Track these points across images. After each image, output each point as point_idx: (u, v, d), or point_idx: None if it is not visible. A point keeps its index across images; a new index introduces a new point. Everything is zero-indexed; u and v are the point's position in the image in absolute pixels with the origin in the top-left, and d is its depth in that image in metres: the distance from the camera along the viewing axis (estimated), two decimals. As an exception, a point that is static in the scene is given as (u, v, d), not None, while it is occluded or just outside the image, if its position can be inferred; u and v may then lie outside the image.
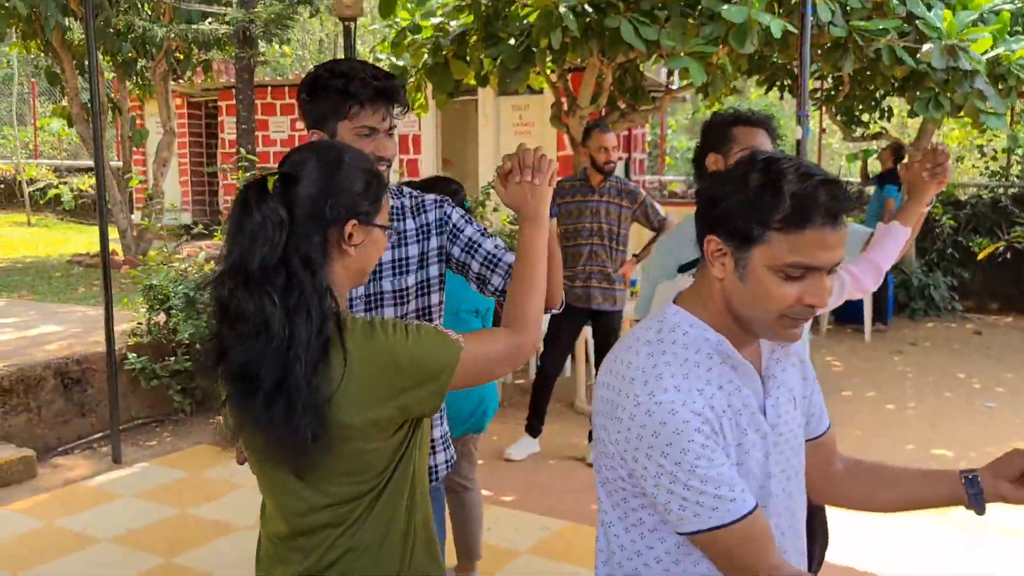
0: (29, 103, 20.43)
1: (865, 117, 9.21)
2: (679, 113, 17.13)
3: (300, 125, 13.26)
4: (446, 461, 2.17)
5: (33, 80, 18.90)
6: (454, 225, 2.01)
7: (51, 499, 4.29)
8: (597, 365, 4.90)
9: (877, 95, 8.48)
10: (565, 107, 6.79)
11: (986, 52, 5.80)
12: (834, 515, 2.64)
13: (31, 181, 16.24)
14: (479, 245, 1.98)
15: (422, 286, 2.01)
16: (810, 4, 4.50)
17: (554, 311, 1.90)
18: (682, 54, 5.35)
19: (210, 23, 7.95)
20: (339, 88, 1.85)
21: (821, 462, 1.57)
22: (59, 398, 4.95)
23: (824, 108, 9.03)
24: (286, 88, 12.36)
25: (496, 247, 1.98)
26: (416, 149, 11.32)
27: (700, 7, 5.52)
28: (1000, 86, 6.24)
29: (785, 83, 8.45)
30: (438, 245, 2.01)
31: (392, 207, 1.96)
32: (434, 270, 2.02)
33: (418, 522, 1.53)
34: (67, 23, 8.56)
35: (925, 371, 6.79)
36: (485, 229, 2.04)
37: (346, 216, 1.44)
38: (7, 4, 7.98)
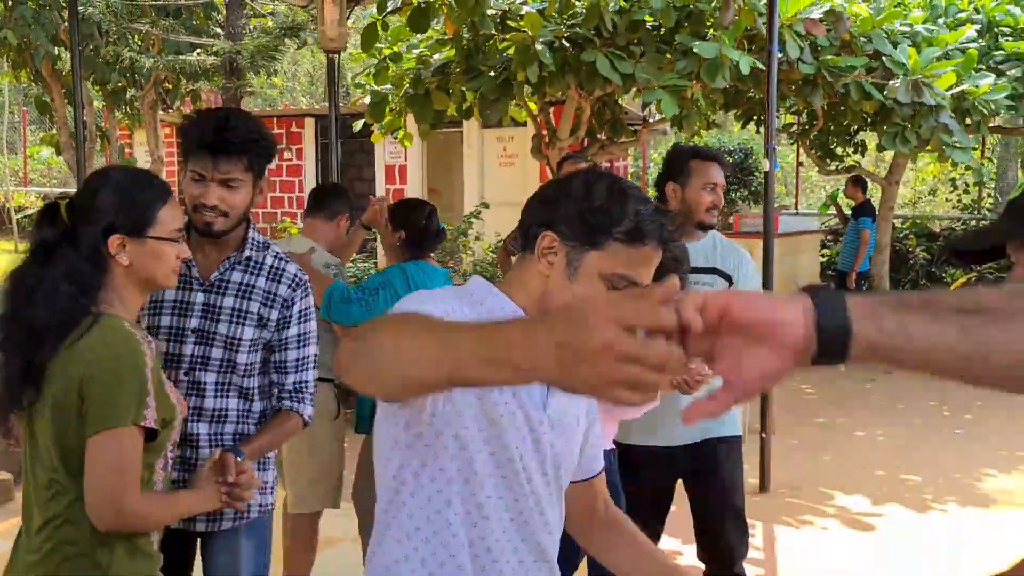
0: (18, 131, 20.55)
1: (839, 151, 9.42)
2: (661, 146, 17.37)
3: (288, 154, 13.41)
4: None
5: (24, 109, 19.03)
6: (290, 315, 2.12)
7: (29, 520, 4.33)
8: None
9: (851, 129, 8.71)
10: (546, 139, 6.96)
11: (951, 88, 6.01)
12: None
13: (19, 208, 16.32)
14: (286, 349, 2.13)
15: (255, 343, 2.10)
16: (777, 42, 4.68)
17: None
18: (656, 87, 5.53)
19: (198, 54, 8.11)
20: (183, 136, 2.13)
21: (589, 500, 1.58)
22: (40, 421, 5.00)
23: (800, 142, 9.24)
24: (274, 118, 12.53)
25: (297, 360, 2.13)
26: (403, 179, 11.48)
27: (675, 43, 5.70)
28: (968, 121, 6.46)
29: (761, 117, 8.65)
30: (270, 317, 2.11)
31: (249, 257, 2.11)
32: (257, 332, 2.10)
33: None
34: (56, 52, 8.70)
35: (896, 399, 6.90)
36: (307, 336, 2.16)
37: (107, 231, 1.69)
38: (-2, 35, 8.13)
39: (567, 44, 5.73)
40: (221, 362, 2.06)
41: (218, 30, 8.63)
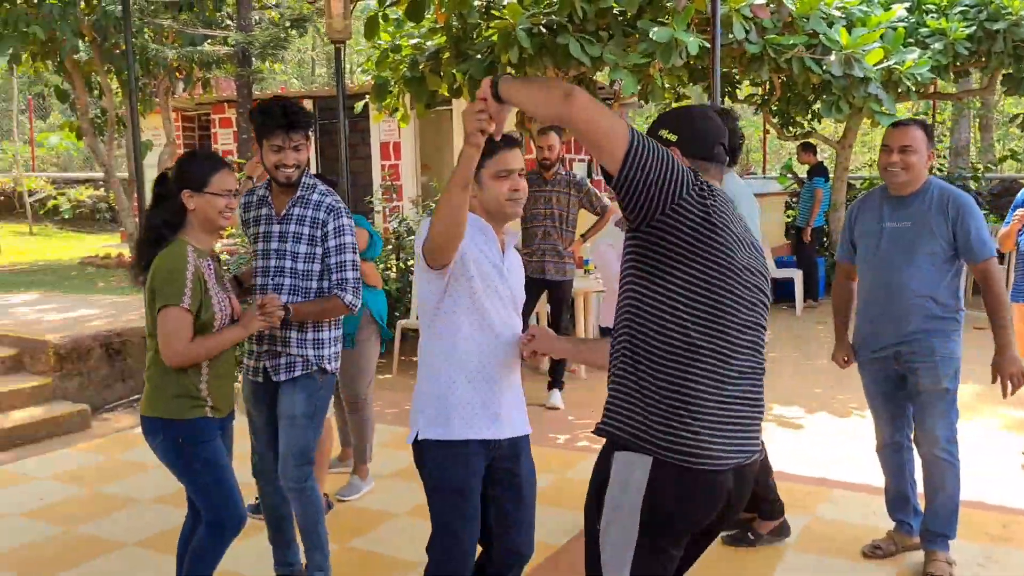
0: (16, 119, 21.19)
1: (799, 118, 10.31)
2: (640, 117, 18.19)
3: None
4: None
5: (30, 97, 19.67)
6: (327, 232, 3.05)
7: (108, 441, 5.25)
8: (551, 325, 5.90)
9: (808, 99, 9.58)
10: (528, 113, 7.79)
11: (879, 62, 6.88)
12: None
13: (31, 193, 17.07)
14: (328, 256, 3.06)
15: (308, 256, 3.04)
16: (720, 26, 5.53)
17: None
18: (620, 68, 6.38)
19: (210, 44, 8.89)
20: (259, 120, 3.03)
21: None
22: (104, 365, 5.90)
23: (762, 111, 10.13)
24: (274, 101, 13.32)
25: (336, 263, 3.04)
26: (397, 155, 12.31)
27: (637, 28, 6.54)
28: (900, 90, 7.34)
29: (726, 90, 9.53)
30: (315, 235, 3.05)
31: (302, 196, 3.06)
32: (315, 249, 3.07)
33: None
34: (79, 45, 9.47)
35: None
36: (342, 247, 3.05)
37: (180, 188, 2.66)
38: (25, 29, 8.88)
39: (544, 30, 6.57)
40: (293, 271, 3.02)
41: (229, 22, 9.40)
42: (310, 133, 3.07)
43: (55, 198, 17.02)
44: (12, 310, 7.09)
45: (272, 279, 3.01)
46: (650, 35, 6.23)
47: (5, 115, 24.80)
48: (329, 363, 3.10)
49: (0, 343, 5.92)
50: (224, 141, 13.70)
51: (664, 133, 2.06)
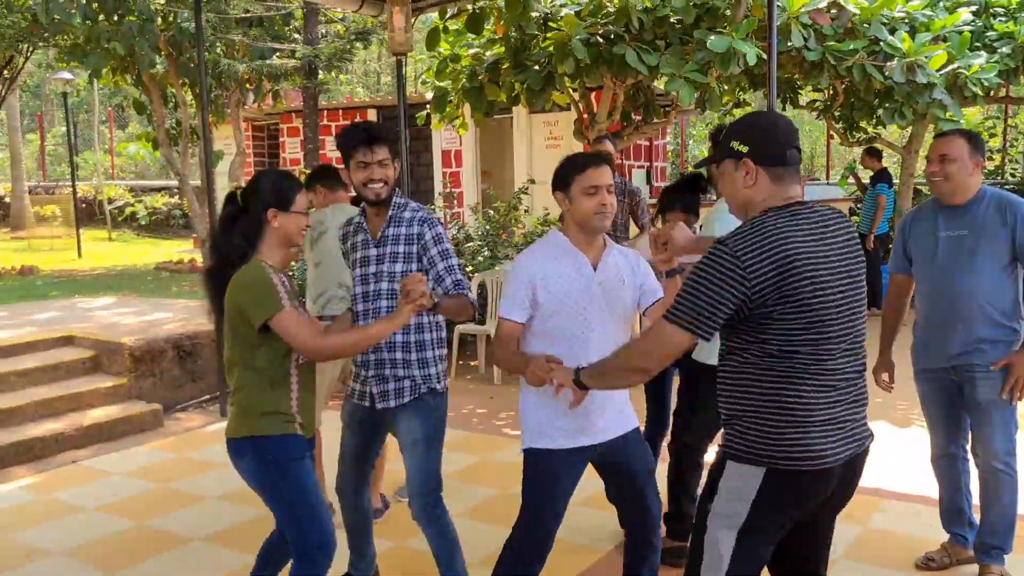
0: (98, 129, 22.11)
1: (863, 124, 10.13)
2: (700, 123, 18.06)
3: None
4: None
5: (110, 109, 20.49)
6: (426, 243, 2.99)
7: (179, 440, 5.50)
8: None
9: (872, 104, 9.43)
10: (586, 122, 7.88)
11: (943, 67, 6.77)
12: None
13: (110, 200, 17.82)
14: (435, 265, 2.98)
15: (406, 275, 2.88)
16: (776, 36, 5.53)
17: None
18: (678, 77, 6.41)
19: (278, 58, 9.19)
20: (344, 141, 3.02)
21: (658, 310, 2.69)
22: (176, 367, 6.17)
23: (825, 117, 9.99)
24: (340, 111, 13.66)
25: (446, 268, 2.97)
26: (458, 162, 12.50)
27: (694, 37, 6.56)
28: (966, 95, 7.20)
29: (788, 95, 9.44)
30: (412, 251, 3.00)
31: (393, 215, 3.01)
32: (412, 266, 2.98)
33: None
34: (156, 59, 9.88)
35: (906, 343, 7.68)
36: (446, 252, 2.99)
37: (266, 206, 2.64)
38: (107, 45, 9.31)
39: (600, 40, 6.65)
40: (390, 292, 2.97)
41: (297, 36, 9.71)
42: (395, 151, 3.01)
43: (133, 205, 17.73)
44: (91, 313, 7.45)
45: (372, 303, 2.97)
46: (707, 44, 6.25)
47: (87, 126, 25.91)
48: (439, 382, 3.01)
49: (80, 345, 6.24)
50: (292, 150, 14.09)
51: (735, 145, 2.11)
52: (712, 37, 6.23)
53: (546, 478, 2.65)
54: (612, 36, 6.61)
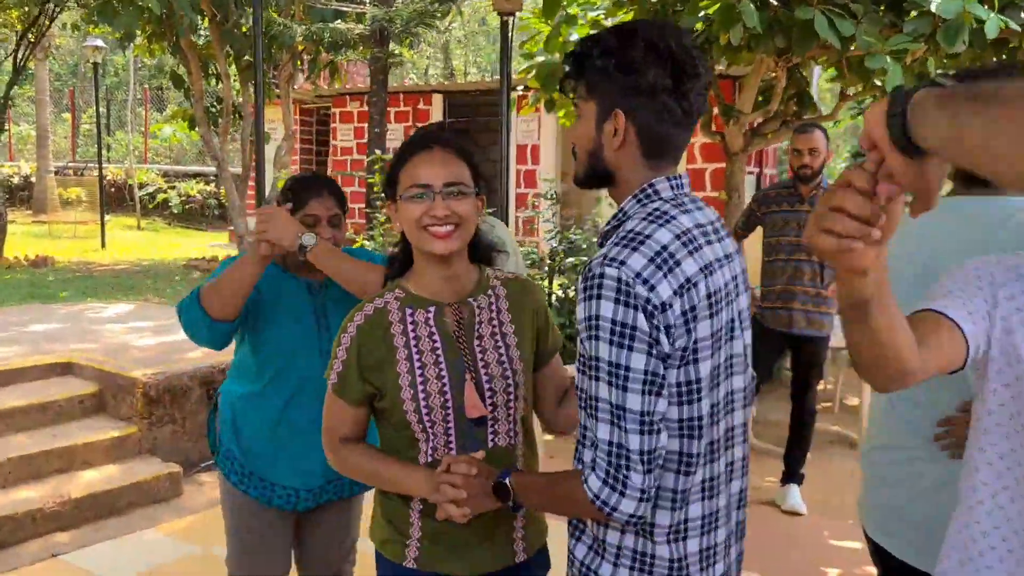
0: (133, 110, 20.86)
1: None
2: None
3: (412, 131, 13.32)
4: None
5: (145, 87, 19.26)
6: None
7: (204, 522, 3.94)
8: (793, 398, 4.33)
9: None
10: (716, 115, 6.28)
11: None
12: None
13: (141, 185, 16.46)
14: None
15: None
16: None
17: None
18: (881, 52, 4.80)
19: (342, 22, 7.67)
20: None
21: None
22: (203, 409, 4.63)
23: None
24: (401, 95, 12.13)
25: None
26: (535, 159, 10.94)
27: (904, 2, 4.94)
28: None
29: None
30: None
31: None
32: None
33: None
34: (197, 22, 8.44)
35: None
36: None
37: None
38: (140, 3, 7.88)
39: (774, 2, 5.04)
40: None
41: (365, -4, 8.19)
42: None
43: (165, 191, 16.36)
44: (101, 327, 5.96)
45: None
46: (927, 9, 4.65)
47: (123, 107, 24.69)
48: None
49: (80, 375, 4.75)
50: (344, 137, 12.60)
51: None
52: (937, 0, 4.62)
53: None
54: (790, -1, 5.00)
